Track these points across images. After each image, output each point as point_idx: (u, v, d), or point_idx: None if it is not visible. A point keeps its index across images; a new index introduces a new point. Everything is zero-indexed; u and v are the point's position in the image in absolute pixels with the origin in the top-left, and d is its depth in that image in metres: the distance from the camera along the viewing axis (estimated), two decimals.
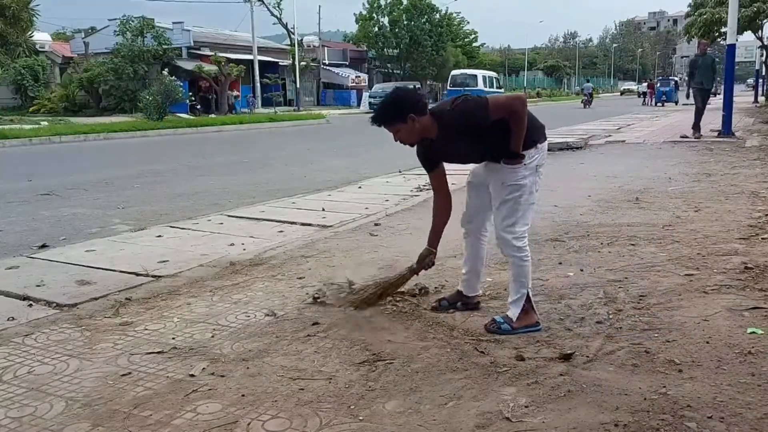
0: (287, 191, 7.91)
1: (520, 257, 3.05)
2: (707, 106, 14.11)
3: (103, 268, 4.33)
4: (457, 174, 3.81)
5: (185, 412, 2.36)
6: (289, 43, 40.07)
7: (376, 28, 48.61)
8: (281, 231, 5.50)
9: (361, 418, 2.30)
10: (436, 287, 3.76)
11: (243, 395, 2.48)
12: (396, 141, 3.04)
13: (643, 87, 47.54)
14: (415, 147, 3.13)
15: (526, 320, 3.06)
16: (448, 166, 3.24)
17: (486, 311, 3.34)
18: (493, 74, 36.75)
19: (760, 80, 37.06)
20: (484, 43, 68.78)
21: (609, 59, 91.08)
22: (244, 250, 4.82)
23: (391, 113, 2.95)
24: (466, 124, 2.92)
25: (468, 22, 56.84)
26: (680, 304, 3.38)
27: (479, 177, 3.20)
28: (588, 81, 51.49)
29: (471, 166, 3.29)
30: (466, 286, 3.39)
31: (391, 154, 10.55)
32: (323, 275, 4.07)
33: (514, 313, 3.06)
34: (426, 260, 3.32)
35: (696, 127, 13.21)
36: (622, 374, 2.59)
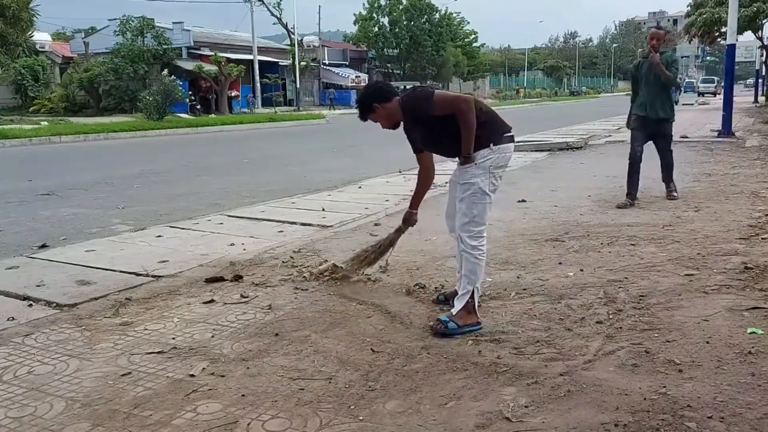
0: (287, 191, 7.91)
1: (473, 254, 3.12)
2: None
3: (103, 268, 4.33)
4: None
5: (185, 412, 2.36)
6: (289, 43, 40.06)
7: (376, 28, 48.62)
8: (281, 231, 5.50)
9: (361, 418, 2.30)
10: (436, 287, 3.76)
11: (243, 395, 2.48)
12: (384, 129, 3.43)
13: None
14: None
15: (469, 319, 3.08)
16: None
17: (486, 310, 3.35)
18: None
19: (760, 80, 37.05)
20: (484, 43, 68.83)
21: (609, 59, 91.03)
22: (244, 250, 4.82)
23: (362, 108, 3.33)
24: (412, 112, 3.18)
25: (468, 22, 56.91)
26: (680, 304, 3.38)
27: (454, 175, 3.36)
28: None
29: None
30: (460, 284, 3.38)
31: (391, 155, 10.56)
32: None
33: (457, 308, 3.11)
34: (411, 219, 3.69)
35: (630, 190, 6.37)
36: (622, 374, 2.59)
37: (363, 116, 3.36)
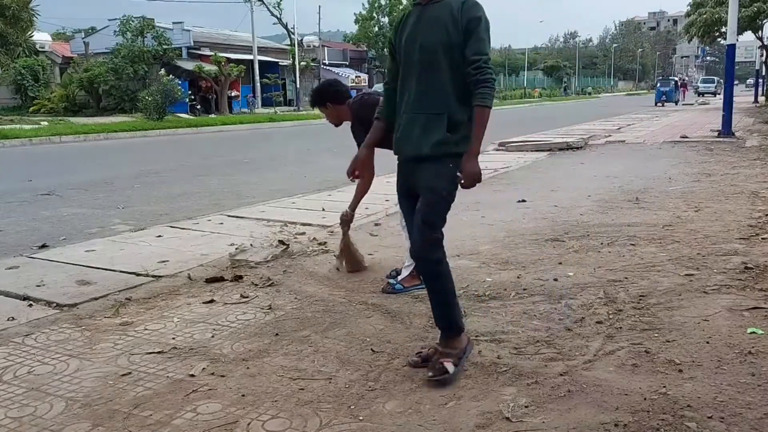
0: (287, 191, 7.90)
1: None
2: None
3: (103, 268, 4.33)
4: None
5: (185, 412, 2.36)
6: (289, 43, 40.02)
7: (376, 28, 48.59)
8: (281, 231, 5.50)
9: (361, 418, 2.30)
10: None
11: (243, 395, 2.48)
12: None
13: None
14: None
15: (413, 281, 3.67)
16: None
17: (486, 310, 3.35)
18: None
19: (760, 80, 37.07)
20: None
21: (609, 59, 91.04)
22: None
23: (315, 99, 3.92)
24: (361, 116, 3.63)
25: None
26: (680, 304, 3.38)
27: None
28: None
29: None
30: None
31: (390, 155, 10.55)
32: (323, 275, 4.08)
33: (404, 274, 3.77)
34: (348, 218, 4.11)
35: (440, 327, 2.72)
36: (622, 374, 2.59)
37: (314, 105, 3.96)
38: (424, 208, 2.59)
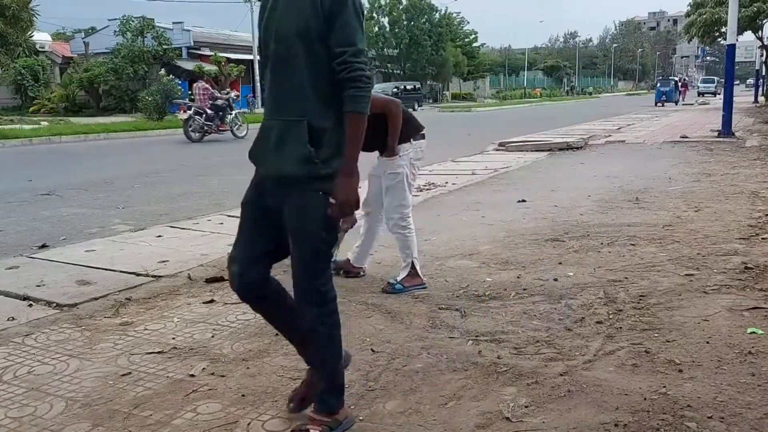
0: None
1: (404, 233, 3.77)
2: None
3: (103, 268, 4.32)
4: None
5: (185, 412, 2.36)
6: None
7: (376, 28, 48.59)
8: None
9: (361, 418, 2.30)
10: (436, 287, 3.77)
11: (243, 395, 2.48)
12: None
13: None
14: None
15: (413, 281, 3.75)
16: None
17: (486, 310, 3.35)
18: None
19: (760, 80, 37.10)
20: (484, 43, 68.86)
21: (609, 59, 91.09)
22: None
23: None
24: None
25: (468, 22, 56.87)
26: (680, 304, 3.38)
27: (376, 170, 3.88)
28: None
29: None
30: (356, 258, 4.04)
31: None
32: None
33: (402, 275, 3.77)
34: None
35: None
36: (622, 374, 2.59)
37: None
38: (300, 266, 2.11)
